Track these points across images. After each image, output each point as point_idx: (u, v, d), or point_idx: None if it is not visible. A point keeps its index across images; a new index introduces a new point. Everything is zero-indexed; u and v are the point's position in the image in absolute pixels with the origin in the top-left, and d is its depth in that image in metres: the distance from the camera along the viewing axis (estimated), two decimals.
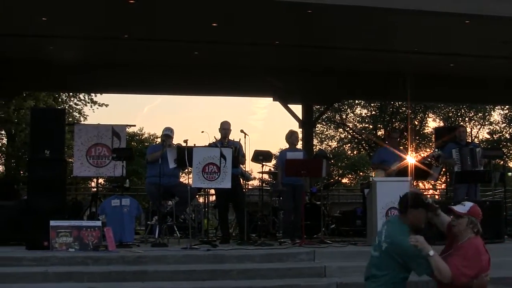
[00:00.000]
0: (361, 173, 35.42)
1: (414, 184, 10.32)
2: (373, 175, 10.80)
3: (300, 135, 15.28)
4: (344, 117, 36.34)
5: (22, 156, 26.38)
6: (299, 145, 10.81)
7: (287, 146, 10.82)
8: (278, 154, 10.75)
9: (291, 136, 10.70)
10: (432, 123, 35.51)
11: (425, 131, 35.41)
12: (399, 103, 31.89)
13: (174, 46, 12.82)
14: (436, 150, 10.74)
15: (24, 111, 24.79)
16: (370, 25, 11.34)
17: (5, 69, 13.67)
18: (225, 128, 10.16)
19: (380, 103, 33.12)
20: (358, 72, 14.38)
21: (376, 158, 11.06)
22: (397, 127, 33.47)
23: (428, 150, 32.54)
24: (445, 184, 14.95)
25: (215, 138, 10.06)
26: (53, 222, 8.58)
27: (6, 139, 27.85)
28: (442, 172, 11.88)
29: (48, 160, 9.23)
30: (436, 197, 22.84)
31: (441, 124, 34.03)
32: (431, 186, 22.88)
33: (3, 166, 28.17)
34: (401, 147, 11.49)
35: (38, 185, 9.03)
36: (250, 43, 12.53)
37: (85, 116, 28.44)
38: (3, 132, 27.46)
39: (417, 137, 35.05)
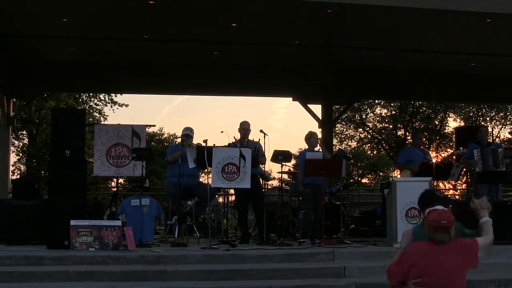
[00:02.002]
0: (381, 173, 35.25)
1: (434, 184, 10.25)
2: (399, 175, 10.72)
3: (319, 135, 15.27)
4: (364, 117, 36.18)
5: (43, 156, 26.63)
6: (318, 145, 10.75)
7: (307, 146, 10.79)
8: (298, 154, 10.68)
9: (310, 138, 10.61)
10: (453, 123, 35.27)
11: (446, 131, 35.16)
12: (420, 103, 31.68)
13: (194, 46, 12.86)
14: (461, 148, 10.62)
15: (45, 111, 25.07)
16: (390, 25, 11.29)
17: (26, 70, 13.83)
18: (244, 128, 10.15)
19: (400, 103, 32.92)
20: (378, 71, 14.32)
21: (402, 158, 10.94)
22: (417, 127, 33.25)
23: (448, 150, 32.30)
24: (465, 185, 14.82)
25: (234, 138, 10.06)
26: (73, 221, 8.64)
27: (27, 139, 28.13)
28: (462, 172, 11.77)
29: (69, 160, 9.28)
30: (456, 197, 22.68)
31: (462, 124, 33.78)
32: (451, 186, 22.72)
33: (25, 166, 28.45)
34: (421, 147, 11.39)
35: (59, 185, 9.08)
36: (269, 43, 12.53)
37: (105, 116, 28.71)
38: (24, 132, 27.75)
39: (437, 137, 34.81)
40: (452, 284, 4.60)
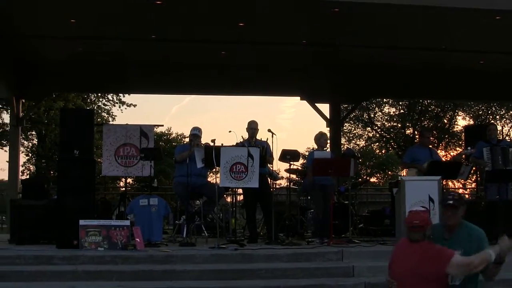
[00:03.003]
0: (389, 172, 35.17)
1: (444, 183, 10.22)
2: (405, 174, 10.68)
3: (328, 134, 15.26)
4: (372, 115, 36.13)
5: (52, 156, 26.73)
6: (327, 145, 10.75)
7: (316, 147, 10.78)
8: (308, 154, 10.65)
9: (320, 138, 10.60)
10: (462, 121, 35.17)
11: (455, 129, 35.07)
12: (428, 101, 31.58)
13: (201, 46, 12.86)
14: (469, 148, 10.59)
15: (54, 111, 25.15)
16: (397, 23, 11.27)
17: (35, 70, 13.87)
18: (252, 127, 10.15)
19: (409, 102, 32.84)
20: (386, 70, 14.28)
21: (408, 157, 10.93)
22: (426, 125, 33.15)
23: (458, 148, 32.21)
24: (475, 183, 14.76)
25: (242, 137, 10.07)
26: (82, 221, 8.67)
27: (36, 140, 28.24)
28: (472, 171, 11.72)
29: (78, 160, 9.33)
30: (466, 196, 22.63)
31: (471, 122, 33.67)
32: (461, 185, 22.65)
33: (34, 166, 28.55)
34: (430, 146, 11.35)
35: (68, 185, 9.12)
36: (277, 43, 12.52)
37: (113, 117, 28.77)
38: (33, 132, 27.86)
39: (446, 136, 34.71)
40: (412, 283, 4.76)
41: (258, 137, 10.19)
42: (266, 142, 9.95)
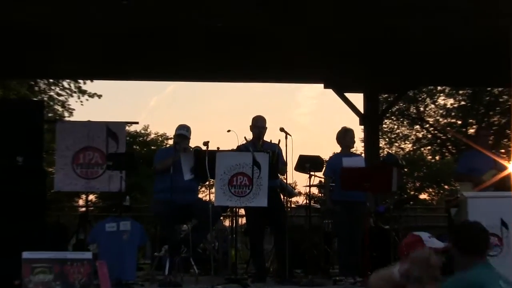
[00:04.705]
0: (445, 186, 35.15)
1: None
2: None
3: (361, 135, 15.21)
4: (422, 109, 36.11)
5: None
6: (360, 148, 10.75)
7: (340, 148, 10.77)
8: (328, 159, 10.64)
9: (344, 136, 10.62)
10: None
11: None
12: (499, 89, 31.49)
13: (191, 15, 12.78)
14: None
15: None
16: None
17: None
18: (259, 125, 10.15)
19: (473, 90, 32.77)
20: (440, 49, 14.23)
21: (462, 165, 10.90)
22: (496, 122, 33.06)
23: None
24: None
25: (245, 139, 10.06)
26: (26, 253, 8.63)
27: None
28: None
29: (21, 170, 9.33)
30: None
31: None
32: None
33: None
34: (502, 150, 11.32)
35: (7, 204, 9.11)
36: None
37: (70, 111, 28.78)
38: None
39: None
40: None
41: (267, 138, 10.21)
42: (277, 146, 9.94)
